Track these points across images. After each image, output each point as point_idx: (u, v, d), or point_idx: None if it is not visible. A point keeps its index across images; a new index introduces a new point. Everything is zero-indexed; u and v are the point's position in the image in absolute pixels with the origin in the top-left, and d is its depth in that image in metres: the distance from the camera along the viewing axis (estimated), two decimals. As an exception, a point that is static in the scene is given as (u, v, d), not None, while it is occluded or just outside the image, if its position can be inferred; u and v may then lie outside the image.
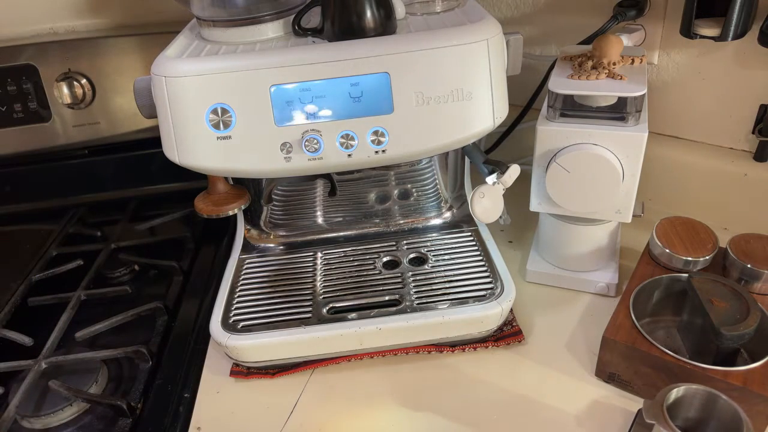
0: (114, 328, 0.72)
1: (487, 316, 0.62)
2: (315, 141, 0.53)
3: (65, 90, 0.88)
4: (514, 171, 0.60)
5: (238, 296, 0.68)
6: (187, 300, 0.76)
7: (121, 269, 0.83)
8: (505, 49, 0.58)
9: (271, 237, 0.77)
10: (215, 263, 0.81)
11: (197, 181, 0.67)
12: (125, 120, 0.92)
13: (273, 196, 0.74)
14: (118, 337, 0.71)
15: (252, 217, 0.77)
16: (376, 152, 0.54)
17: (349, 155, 0.54)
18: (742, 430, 0.46)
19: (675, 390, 0.49)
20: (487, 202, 0.59)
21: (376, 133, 0.53)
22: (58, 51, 0.88)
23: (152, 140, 0.89)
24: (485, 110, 0.54)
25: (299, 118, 0.53)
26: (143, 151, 0.95)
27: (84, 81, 0.89)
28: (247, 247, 0.76)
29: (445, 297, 0.64)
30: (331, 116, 0.53)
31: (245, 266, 0.73)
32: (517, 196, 0.67)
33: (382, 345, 0.64)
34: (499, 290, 0.64)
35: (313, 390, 0.63)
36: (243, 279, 0.71)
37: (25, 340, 0.72)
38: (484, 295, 0.64)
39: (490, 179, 0.60)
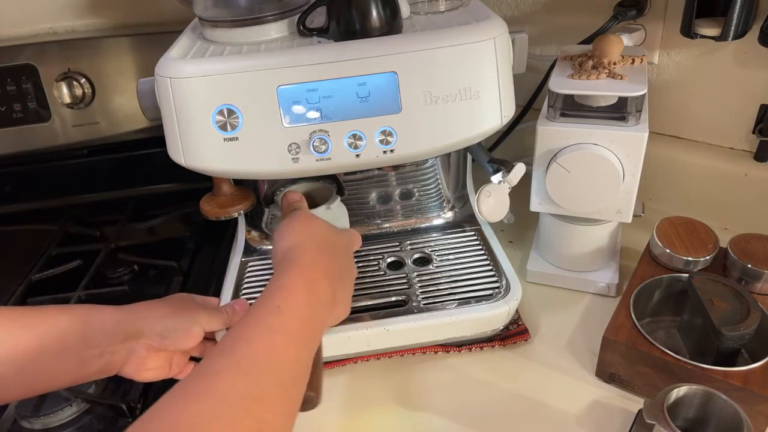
0: (114, 329, 0.71)
1: (495, 315, 0.62)
2: (323, 141, 0.53)
3: (65, 90, 0.88)
4: (519, 169, 0.60)
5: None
6: (186, 300, 0.76)
7: (120, 269, 0.82)
8: (511, 48, 0.58)
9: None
10: (215, 263, 0.81)
11: (197, 181, 0.67)
12: (125, 120, 0.92)
13: (275, 198, 0.73)
14: (118, 338, 0.71)
15: (253, 219, 0.77)
16: (384, 152, 0.54)
17: (357, 155, 0.54)
18: (742, 430, 0.46)
19: (675, 390, 0.49)
20: (493, 201, 0.59)
21: (384, 132, 0.53)
22: (57, 51, 0.88)
23: (152, 140, 0.89)
24: (493, 109, 0.54)
25: (307, 118, 0.53)
26: (143, 151, 0.95)
27: (84, 81, 0.88)
28: (249, 250, 0.76)
29: (452, 297, 0.64)
30: (339, 116, 0.53)
31: (248, 269, 0.72)
32: (517, 196, 0.67)
33: (388, 346, 0.64)
34: (505, 289, 0.64)
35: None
36: (246, 282, 0.70)
37: (25, 340, 0.71)
38: (490, 294, 0.64)
39: (495, 178, 0.60)
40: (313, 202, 0.63)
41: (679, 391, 0.49)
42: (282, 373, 0.38)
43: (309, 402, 0.48)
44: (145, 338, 0.53)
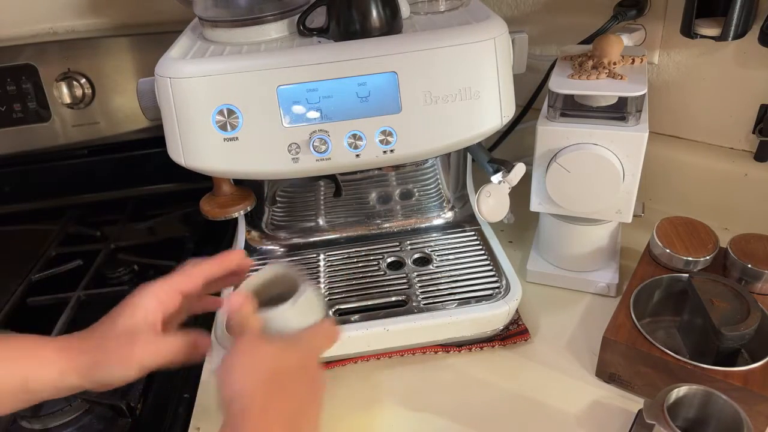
0: (114, 329, 0.71)
1: (495, 315, 0.62)
2: (323, 141, 0.53)
3: (65, 90, 0.88)
4: (519, 169, 0.60)
5: None
6: (187, 300, 0.76)
7: (120, 269, 0.82)
8: (511, 48, 0.58)
9: (273, 239, 0.77)
10: (215, 263, 0.81)
11: (197, 181, 0.67)
12: (125, 120, 0.92)
13: (275, 198, 0.73)
14: (118, 338, 0.71)
15: (253, 218, 0.77)
16: (384, 152, 0.54)
17: (357, 155, 0.54)
18: (742, 430, 0.46)
19: (675, 390, 0.49)
20: (493, 201, 0.59)
21: (384, 132, 0.53)
22: (57, 51, 0.88)
23: (152, 140, 0.89)
24: (493, 109, 0.54)
25: (307, 118, 0.53)
26: (143, 151, 0.95)
27: (84, 81, 0.88)
28: (249, 250, 0.76)
29: (452, 297, 0.65)
30: (339, 116, 0.53)
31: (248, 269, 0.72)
32: (517, 196, 0.67)
33: (389, 346, 0.64)
34: (505, 289, 0.64)
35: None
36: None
37: (25, 340, 0.71)
38: (490, 294, 0.64)
39: (495, 178, 0.60)
40: (279, 290, 0.51)
41: (679, 391, 0.49)
42: None
43: None
44: (88, 386, 0.48)
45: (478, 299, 0.64)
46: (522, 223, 0.79)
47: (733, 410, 0.48)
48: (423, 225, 0.77)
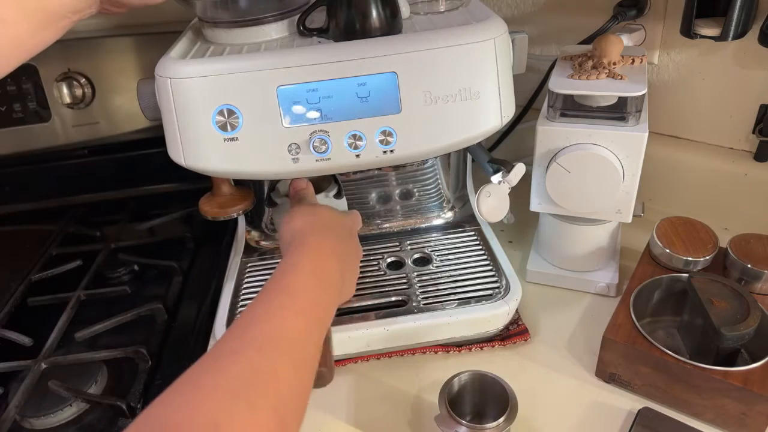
0: (114, 328, 0.71)
1: (495, 315, 0.62)
2: (323, 141, 0.52)
3: (65, 90, 0.87)
4: (519, 170, 0.60)
5: (243, 300, 0.67)
6: (186, 300, 0.76)
7: (120, 269, 0.82)
8: (511, 48, 0.58)
9: (273, 239, 0.77)
10: (215, 263, 0.81)
11: (197, 181, 0.66)
12: (125, 120, 0.92)
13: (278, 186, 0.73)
14: (118, 337, 0.71)
15: (253, 219, 0.77)
16: (384, 152, 0.54)
17: (357, 155, 0.54)
18: (509, 402, 0.50)
19: (457, 379, 0.54)
20: (493, 201, 0.59)
21: (383, 133, 0.53)
22: (57, 51, 0.87)
23: (152, 140, 0.89)
24: (493, 109, 0.54)
25: (307, 118, 0.52)
26: (143, 151, 0.95)
27: (84, 81, 0.88)
28: (249, 250, 0.76)
29: (452, 297, 0.64)
30: (339, 116, 0.53)
31: (248, 269, 0.72)
32: (517, 196, 0.67)
33: (388, 346, 0.64)
34: (505, 289, 0.64)
35: (315, 391, 0.63)
36: (246, 282, 0.70)
37: (25, 340, 0.71)
38: (490, 294, 0.64)
39: (495, 178, 0.60)
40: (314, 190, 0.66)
41: (461, 378, 0.54)
42: (293, 349, 0.38)
43: (321, 378, 0.49)
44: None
45: (478, 299, 0.64)
46: (522, 223, 0.79)
47: (500, 386, 0.53)
48: (423, 225, 0.77)
